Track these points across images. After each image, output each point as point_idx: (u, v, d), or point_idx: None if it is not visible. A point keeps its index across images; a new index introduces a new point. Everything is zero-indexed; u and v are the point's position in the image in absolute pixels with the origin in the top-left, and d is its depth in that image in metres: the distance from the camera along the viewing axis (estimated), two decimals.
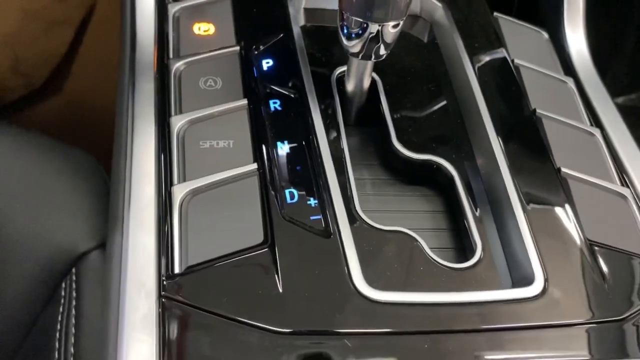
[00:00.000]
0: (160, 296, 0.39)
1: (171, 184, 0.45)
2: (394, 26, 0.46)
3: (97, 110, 1.00)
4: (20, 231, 0.62)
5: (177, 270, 0.41)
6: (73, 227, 0.63)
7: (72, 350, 0.56)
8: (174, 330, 0.38)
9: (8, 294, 0.60)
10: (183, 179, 0.46)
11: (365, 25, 0.46)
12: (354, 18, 0.46)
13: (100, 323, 0.50)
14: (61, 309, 0.59)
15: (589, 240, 0.47)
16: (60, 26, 0.98)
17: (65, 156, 0.68)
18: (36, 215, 0.63)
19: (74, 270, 0.62)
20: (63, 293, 0.60)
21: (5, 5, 0.90)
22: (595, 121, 0.58)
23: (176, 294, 0.40)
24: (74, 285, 0.60)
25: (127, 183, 0.45)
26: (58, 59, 1.00)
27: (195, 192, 0.45)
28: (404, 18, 0.46)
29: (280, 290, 0.40)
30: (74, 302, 0.59)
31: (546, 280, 0.43)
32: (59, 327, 0.58)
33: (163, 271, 0.41)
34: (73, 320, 0.58)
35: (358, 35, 0.47)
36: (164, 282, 0.40)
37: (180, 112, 0.50)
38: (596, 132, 0.56)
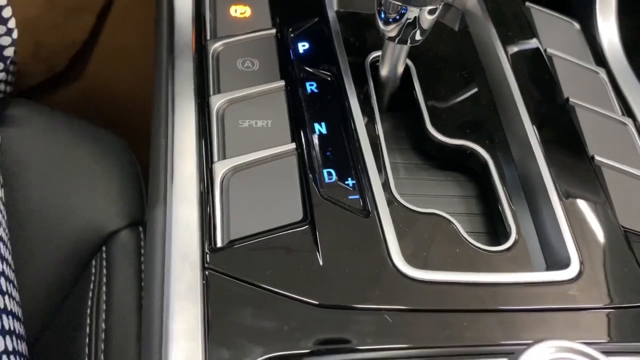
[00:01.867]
0: (204, 268, 0.40)
1: (212, 161, 0.46)
2: (431, 12, 0.47)
3: (116, 96, 1.01)
4: (52, 208, 0.63)
5: (219, 244, 0.42)
6: (103, 206, 0.64)
7: (103, 325, 0.57)
8: (217, 301, 0.39)
9: (39, 270, 0.61)
10: (223, 156, 0.46)
11: (403, 9, 0.46)
12: (393, 2, 0.46)
13: (140, 297, 0.50)
14: (92, 286, 0.60)
15: (623, 227, 0.47)
16: (81, 12, 0.99)
17: (96, 138, 0.69)
18: (68, 194, 0.64)
19: (104, 248, 0.62)
20: (93, 270, 0.61)
21: None
22: (627, 111, 0.58)
23: (219, 266, 0.40)
24: (104, 263, 0.61)
25: (169, 158, 0.46)
26: (78, 45, 1.01)
27: (235, 169, 0.46)
28: (442, 3, 0.46)
29: (321, 265, 0.41)
30: (104, 280, 0.60)
31: (582, 264, 0.44)
32: (89, 303, 0.59)
33: (206, 245, 0.41)
34: (104, 297, 0.58)
35: (395, 20, 0.47)
36: (208, 255, 0.41)
37: (219, 91, 0.51)
38: (628, 121, 0.56)
